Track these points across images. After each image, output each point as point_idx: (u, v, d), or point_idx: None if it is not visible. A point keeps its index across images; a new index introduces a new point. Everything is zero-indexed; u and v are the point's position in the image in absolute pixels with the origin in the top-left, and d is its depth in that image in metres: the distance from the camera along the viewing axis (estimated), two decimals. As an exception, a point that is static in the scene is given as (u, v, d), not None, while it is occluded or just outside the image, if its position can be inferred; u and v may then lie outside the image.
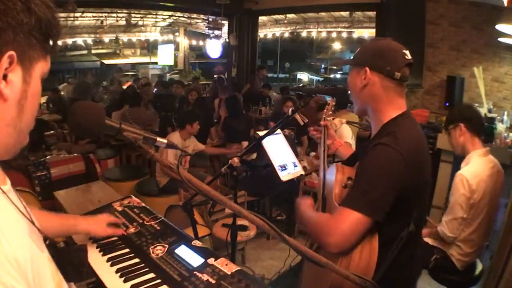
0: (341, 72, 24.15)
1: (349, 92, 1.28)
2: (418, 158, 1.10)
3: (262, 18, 9.23)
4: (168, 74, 15.35)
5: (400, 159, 1.04)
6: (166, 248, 1.25)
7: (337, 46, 21.35)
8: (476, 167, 1.92)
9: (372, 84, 1.15)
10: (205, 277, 1.08)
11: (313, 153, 3.83)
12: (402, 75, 1.12)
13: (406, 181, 1.04)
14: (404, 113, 1.16)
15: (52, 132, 5.42)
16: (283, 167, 2.31)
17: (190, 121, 3.56)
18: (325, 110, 1.60)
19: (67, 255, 1.00)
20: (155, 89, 8.30)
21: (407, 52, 1.15)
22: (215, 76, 15.93)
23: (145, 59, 18.42)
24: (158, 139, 0.80)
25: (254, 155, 3.77)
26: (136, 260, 1.21)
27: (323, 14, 9.03)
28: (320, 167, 1.42)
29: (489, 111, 3.96)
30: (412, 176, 1.06)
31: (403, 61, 1.13)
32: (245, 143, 4.21)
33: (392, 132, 1.10)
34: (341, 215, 1.05)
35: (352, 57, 1.24)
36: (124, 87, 8.89)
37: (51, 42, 0.59)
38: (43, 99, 8.44)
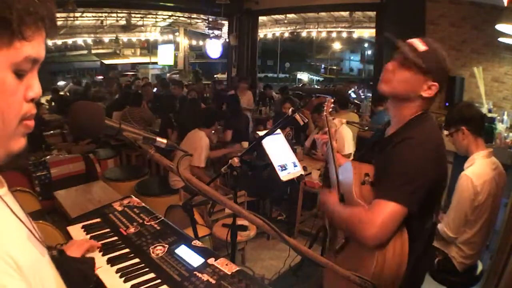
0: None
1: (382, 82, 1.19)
2: (442, 152, 1.16)
3: (262, 18, 9.23)
4: (168, 74, 15.36)
5: (429, 151, 1.09)
6: (166, 248, 1.25)
7: (337, 46, 21.37)
8: (481, 169, 1.91)
9: (429, 97, 1.16)
10: (205, 277, 1.09)
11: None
12: None
13: (436, 173, 1.09)
14: (427, 111, 1.20)
15: (52, 132, 5.43)
16: (283, 167, 2.31)
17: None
18: (325, 108, 1.59)
19: (74, 266, 1.01)
20: (155, 89, 8.30)
21: None
22: (215, 76, 15.93)
23: (145, 59, 18.42)
24: (158, 139, 0.79)
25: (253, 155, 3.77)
26: (136, 260, 1.21)
27: (323, 14, 9.03)
28: (330, 167, 1.42)
29: (489, 111, 3.96)
30: (439, 170, 1.12)
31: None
32: (245, 144, 4.21)
33: (419, 127, 1.15)
34: (378, 207, 1.06)
35: (418, 55, 1.12)
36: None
37: (15, 25, 0.48)
38: (43, 99, 8.48)
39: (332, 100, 1.63)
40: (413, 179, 1.06)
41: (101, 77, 10.25)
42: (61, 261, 0.77)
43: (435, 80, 1.14)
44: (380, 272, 1.04)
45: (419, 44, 1.15)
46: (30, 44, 0.51)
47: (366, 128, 4.59)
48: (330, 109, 1.61)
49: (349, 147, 3.58)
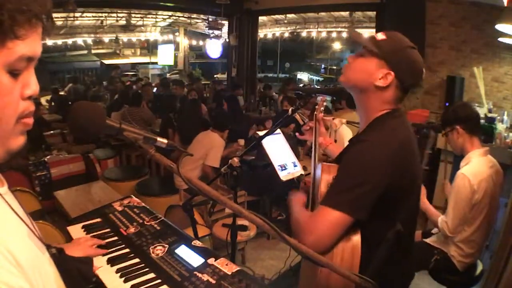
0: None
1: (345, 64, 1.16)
2: (405, 156, 1.07)
3: (262, 18, 9.23)
4: (168, 74, 15.36)
5: (383, 155, 1.01)
6: (166, 248, 1.25)
7: (337, 46, 21.35)
8: (477, 167, 1.92)
9: (387, 88, 1.09)
10: (205, 277, 1.09)
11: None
12: (409, 91, 1.12)
13: (390, 179, 1.01)
14: (394, 110, 1.12)
15: (52, 132, 5.43)
16: (283, 167, 2.31)
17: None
18: (316, 107, 1.57)
19: (73, 265, 1.01)
20: (155, 89, 8.30)
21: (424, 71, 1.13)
22: (215, 76, 15.91)
23: (145, 59, 18.43)
24: (159, 139, 0.79)
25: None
26: (136, 260, 1.21)
27: (323, 14, 9.02)
28: (311, 166, 1.39)
29: (489, 111, 3.96)
30: (398, 174, 1.03)
31: (419, 81, 1.11)
32: (241, 141, 4.19)
33: (378, 129, 1.08)
34: (320, 214, 1.02)
35: (374, 42, 1.09)
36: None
37: (7, 25, 0.47)
38: (43, 100, 8.48)
39: (325, 100, 1.61)
40: (356, 184, 0.99)
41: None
42: (61, 260, 0.77)
43: (391, 69, 1.06)
44: (326, 279, 0.99)
45: (379, 35, 1.12)
46: (24, 42, 0.49)
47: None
48: (322, 108, 1.57)
49: None
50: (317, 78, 23.87)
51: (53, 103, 7.94)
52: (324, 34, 10.84)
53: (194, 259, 1.17)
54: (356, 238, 1.02)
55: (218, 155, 3.50)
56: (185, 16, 11.66)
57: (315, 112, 1.53)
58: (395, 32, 1.13)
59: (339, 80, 1.20)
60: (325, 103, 1.59)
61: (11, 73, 0.50)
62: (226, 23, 8.64)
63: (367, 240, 1.02)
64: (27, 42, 0.50)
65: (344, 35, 10.56)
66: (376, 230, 1.01)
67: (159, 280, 1.11)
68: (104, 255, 1.24)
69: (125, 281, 1.11)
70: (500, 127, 3.62)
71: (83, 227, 1.44)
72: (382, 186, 1.00)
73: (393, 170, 1.01)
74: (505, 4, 3.13)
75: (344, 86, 1.19)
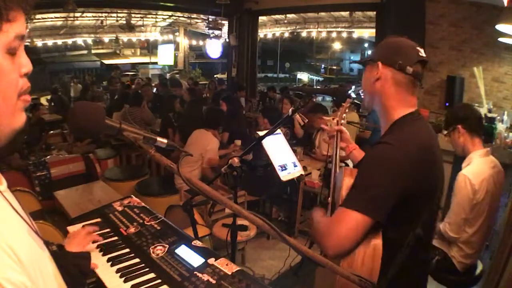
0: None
1: (360, 92, 1.23)
2: (426, 160, 1.05)
3: (262, 18, 9.23)
4: (168, 74, 15.37)
5: (403, 158, 1.01)
6: (167, 248, 1.25)
7: (337, 46, 21.37)
8: (478, 167, 1.92)
9: (384, 79, 1.11)
10: (205, 277, 1.09)
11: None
12: (415, 71, 1.08)
13: (410, 182, 1.00)
14: (414, 112, 1.12)
15: (52, 132, 5.43)
16: (283, 167, 2.31)
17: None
18: (340, 110, 1.55)
19: (70, 261, 1.01)
20: (155, 89, 8.29)
21: (421, 49, 1.11)
22: (215, 76, 15.90)
23: (145, 59, 18.46)
24: (158, 139, 0.79)
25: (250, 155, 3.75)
26: (137, 260, 1.21)
27: (323, 14, 9.04)
28: (332, 171, 1.38)
29: (489, 111, 3.96)
30: (419, 178, 1.01)
31: (417, 57, 1.09)
32: (238, 142, 4.18)
33: (398, 131, 1.08)
34: (339, 216, 1.01)
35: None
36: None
37: (3, 11, 0.52)
38: (43, 99, 8.48)
39: (350, 102, 1.58)
40: (373, 185, 0.99)
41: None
42: (60, 256, 0.77)
43: (376, 61, 1.13)
44: (345, 284, 0.97)
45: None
46: (16, 23, 0.55)
47: (367, 128, 4.58)
48: (347, 111, 1.56)
49: None
50: (317, 78, 23.91)
51: (53, 103, 7.94)
52: (324, 34, 10.85)
53: (194, 259, 1.17)
54: (377, 242, 1.01)
55: (214, 155, 3.53)
56: (185, 16, 11.67)
57: (338, 118, 1.53)
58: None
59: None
60: (348, 105, 1.57)
61: (9, 53, 0.55)
62: (226, 23, 8.64)
63: (389, 244, 1.00)
64: (18, 22, 0.55)
65: (344, 35, 10.58)
66: (398, 234, 1.01)
67: (159, 280, 1.11)
68: (104, 255, 1.24)
69: (125, 281, 1.11)
70: (500, 127, 3.62)
71: (83, 227, 1.44)
72: (400, 189, 0.99)
73: (412, 173, 1.00)
74: (505, 4, 3.14)
75: (370, 108, 1.23)
